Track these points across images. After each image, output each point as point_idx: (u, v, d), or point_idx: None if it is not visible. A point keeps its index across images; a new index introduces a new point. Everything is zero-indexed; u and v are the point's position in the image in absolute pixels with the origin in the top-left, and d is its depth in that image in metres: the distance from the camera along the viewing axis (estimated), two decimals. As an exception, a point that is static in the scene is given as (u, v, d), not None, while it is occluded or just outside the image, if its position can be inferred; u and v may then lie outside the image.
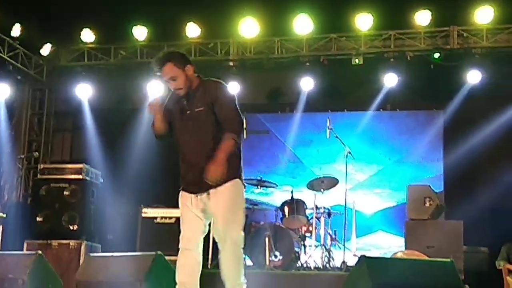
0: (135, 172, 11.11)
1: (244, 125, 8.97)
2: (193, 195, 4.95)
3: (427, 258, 7.02)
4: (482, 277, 9.08)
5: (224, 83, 5.00)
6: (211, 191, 4.84)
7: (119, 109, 11.48)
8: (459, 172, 10.86)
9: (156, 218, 8.42)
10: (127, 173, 11.01)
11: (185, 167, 4.95)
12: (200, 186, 4.84)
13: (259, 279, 7.96)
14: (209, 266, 9.02)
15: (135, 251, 7.89)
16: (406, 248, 8.65)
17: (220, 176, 4.68)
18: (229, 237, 4.84)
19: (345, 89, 11.39)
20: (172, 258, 7.26)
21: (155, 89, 10.95)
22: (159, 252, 6.53)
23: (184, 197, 5.03)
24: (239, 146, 4.94)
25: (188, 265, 5.08)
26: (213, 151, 4.72)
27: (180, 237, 5.09)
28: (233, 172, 4.84)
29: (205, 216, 5.00)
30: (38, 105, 11.88)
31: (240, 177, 4.97)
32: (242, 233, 4.96)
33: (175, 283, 5.16)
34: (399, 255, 7.95)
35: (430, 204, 8.86)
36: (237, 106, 4.91)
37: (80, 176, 9.25)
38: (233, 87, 11.06)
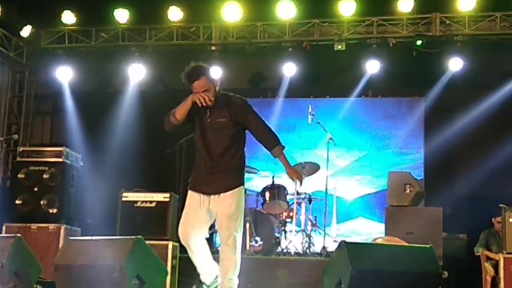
0: (115, 156, 11.08)
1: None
2: (204, 196, 5.35)
3: (406, 244, 7.06)
4: (460, 264, 9.17)
5: (246, 99, 5.40)
6: (222, 194, 5.30)
7: (100, 92, 11.42)
8: (440, 160, 10.93)
9: (136, 202, 8.37)
10: (107, 157, 10.97)
11: (200, 169, 5.40)
12: (212, 188, 5.28)
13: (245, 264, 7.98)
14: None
15: (115, 235, 7.85)
16: (386, 234, 8.70)
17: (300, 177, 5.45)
18: (232, 238, 5.31)
19: (327, 75, 11.41)
20: (153, 242, 7.29)
21: (136, 72, 10.89)
22: (139, 236, 6.50)
23: (193, 197, 5.40)
24: (245, 155, 5.46)
25: (199, 254, 5.48)
26: (230, 159, 5.28)
27: (182, 231, 5.45)
28: (241, 179, 5.37)
29: (210, 215, 5.41)
30: (18, 88, 11.77)
31: (244, 184, 5.46)
32: (241, 236, 5.43)
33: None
34: (379, 241, 7.99)
35: (410, 191, 8.91)
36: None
37: (60, 159, 9.18)
38: (215, 72, 11.03)
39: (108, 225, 8.81)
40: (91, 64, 11.35)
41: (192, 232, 5.43)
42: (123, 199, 8.42)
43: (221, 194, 5.34)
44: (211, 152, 5.31)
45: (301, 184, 5.58)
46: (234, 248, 5.36)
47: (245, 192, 5.53)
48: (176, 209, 8.52)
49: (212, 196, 5.37)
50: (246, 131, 5.49)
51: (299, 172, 5.52)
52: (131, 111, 11.29)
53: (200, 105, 5.19)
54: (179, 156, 9.04)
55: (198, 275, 5.79)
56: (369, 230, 11.02)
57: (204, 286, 5.72)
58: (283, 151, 5.34)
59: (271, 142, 5.35)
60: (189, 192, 5.47)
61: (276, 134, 5.37)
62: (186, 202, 5.50)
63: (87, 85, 11.45)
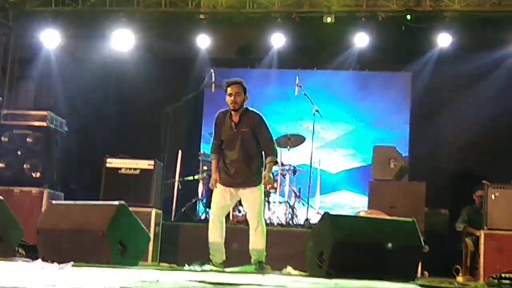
0: (100, 122, 11.03)
1: (213, 79, 8.98)
2: (230, 188, 6.68)
3: (389, 217, 7.11)
4: (442, 238, 9.25)
5: (262, 115, 6.81)
6: (248, 188, 6.65)
7: (86, 57, 11.30)
8: (425, 135, 10.98)
9: (120, 168, 8.36)
10: (92, 123, 10.92)
11: (227, 168, 6.69)
12: (237, 183, 6.66)
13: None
14: (172, 219, 9.08)
15: (98, 200, 7.84)
16: (369, 207, 8.75)
17: (271, 182, 7.35)
18: (261, 223, 6.68)
19: (316, 47, 11.34)
20: (137, 209, 7.30)
21: (120, 38, 10.78)
22: (122, 202, 6.50)
23: (221, 188, 6.70)
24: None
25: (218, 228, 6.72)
26: (252, 159, 6.68)
27: (213, 212, 6.77)
28: (261, 179, 6.72)
29: (231, 203, 6.92)
30: (3, 51, 11.63)
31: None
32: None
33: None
34: (361, 214, 8.04)
35: (394, 165, 8.94)
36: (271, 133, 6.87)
37: (44, 124, 9.12)
38: (203, 41, 10.97)
39: (91, 191, 8.80)
40: (78, 28, 11.21)
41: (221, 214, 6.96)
42: (107, 165, 8.41)
43: (247, 188, 6.72)
44: (239, 155, 6.68)
45: (271, 188, 7.66)
46: (263, 231, 6.78)
47: None
48: (160, 176, 8.52)
49: (240, 189, 6.76)
50: None
51: (273, 180, 7.29)
52: (118, 78, 11.22)
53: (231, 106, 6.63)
54: (165, 124, 9.01)
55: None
56: (352, 203, 11.08)
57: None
58: (273, 164, 6.78)
59: (270, 152, 6.78)
60: (219, 185, 6.79)
61: (276, 151, 6.85)
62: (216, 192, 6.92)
63: (73, 50, 11.33)
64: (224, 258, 6.66)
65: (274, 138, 9.51)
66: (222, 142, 6.78)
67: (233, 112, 6.69)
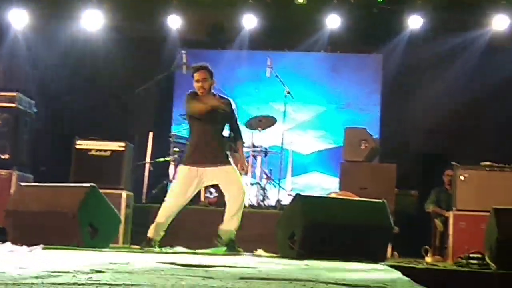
0: (70, 104, 10.93)
1: (184, 61, 8.93)
2: (199, 168, 6.60)
3: (360, 199, 7.16)
4: (412, 219, 9.36)
5: (232, 100, 6.87)
6: (220, 167, 6.63)
7: (55, 37, 11.16)
8: (396, 118, 11.05)
9: (90, 150, 8.30)
10: (62, 104, 10.82)
11: (197, 148, 6.67)
12: (207, 161, 6.61)
13: (194, 215, 8.04)
14: (143, 201, 9.06)
15: (68, 183, 7.79)
16: (340, 189, 8.80)
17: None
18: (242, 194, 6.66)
19: (287, 29, 11.32)
20: (107, 191, 7.27)
21: (90, 18, 10.68)
22: (93, 184, 6.47)
23: (187, 170, 6.62)
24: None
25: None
26: (219, 141, 6.75)
27: (172, 194, 6.72)
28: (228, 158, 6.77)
29: (198, 186, 6.77)
30: (-32, 31, 11.45)
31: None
32: None
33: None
34: (333, 195, 8.09)
35: (365, 147, 8.98)
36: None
37: (13, 105, 8.99)
38: (174, 21, 10.91)
39: (61, 173, 8.72)
40: (47, 8, 11.07)
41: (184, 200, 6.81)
42: (77, 146, 8.35)
43: (219, 167, 6.67)
44: (209, 135, 6.70)
45: (246, 174, 7.37)
46: (243, 199, 6.76)
47: None
48: (131, 158, 8.48)
49: (211, 167, 6.69)
50: None
51: (246, 165, 7.23)
52: (88, 59, 11.11)
53: (199, 92, 6.63)
54: (135, 105, 8.97)
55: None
56: (323, 184, 11.14)
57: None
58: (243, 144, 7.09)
59: (239, 136, 7.04)
60: (183, 166, 6.79)
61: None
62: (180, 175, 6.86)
63: (42, 30, 11.18)
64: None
65: (246, 120, 9.62)
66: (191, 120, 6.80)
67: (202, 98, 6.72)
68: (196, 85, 6.66)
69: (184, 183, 6.60)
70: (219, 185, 6.82)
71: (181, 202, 6.63)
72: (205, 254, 6.20)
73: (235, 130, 6.94)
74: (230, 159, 6.72)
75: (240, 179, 6.67)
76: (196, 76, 6.65)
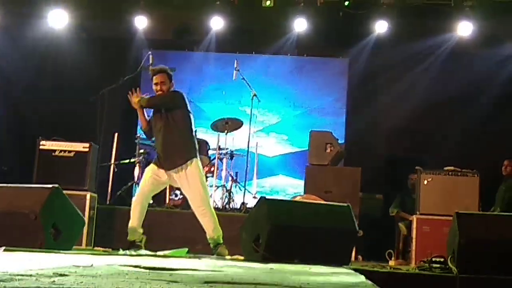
0: (34, 103, 10.81)
1: (150, 62, 8.90)
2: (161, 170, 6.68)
3: (324, 202, 7.19)
4: (376, 223, 9.43)
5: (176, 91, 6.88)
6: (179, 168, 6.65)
7: (19, 36, 11.05)
8: (361, 121, 11.14)
9: (54, 151, 8.21)
10: (26, 104, 10.70)
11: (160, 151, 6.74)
12: (170, 164, 6.66)
13: (158, 217, 8.01)
14: (108, 203, 9.00)
15: (31, 183, 7.70)
16: (305, 192, 8.81)
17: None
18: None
19: (255, 32, 11.36)
20: (71, 192, 7.21)
21: (56, 17, 10.58)
22: (56, 185, 6.41)
23: (155, 169, 6.70)
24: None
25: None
26: (179, 141, 6.71)
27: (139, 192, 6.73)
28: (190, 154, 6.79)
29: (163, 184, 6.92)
30: None
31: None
32: None
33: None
34: (298, 198, 8.11)
35: (331, 150, 9.02)
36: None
37: (-26, 104, 8.90)
38: (140, 22, 10.86)
39: (24, 174, 8.64)
40: (12, 6, 10.92)
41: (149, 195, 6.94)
42: (41, 147, 8.25)
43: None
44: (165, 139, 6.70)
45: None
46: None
47: None
48: (95, 159, 8.42)
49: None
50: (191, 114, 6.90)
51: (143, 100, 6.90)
52: (53, 58, 11.01)
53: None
54: (101, 106, 8.90)
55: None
56: (289, 187, 11.19)
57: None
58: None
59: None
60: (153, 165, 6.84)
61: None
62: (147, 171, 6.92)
63: (6, 28, 11.04)
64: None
65: (212, 122, 9.61)
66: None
67: None
68: (155, 88, 6.78)
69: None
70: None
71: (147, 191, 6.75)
72: (168, 257, 6.18)
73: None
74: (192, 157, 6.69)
75: (198, 180, 6.65)
76: (155, 79, 6.74)
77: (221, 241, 6.71)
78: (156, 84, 6.72)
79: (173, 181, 6.79)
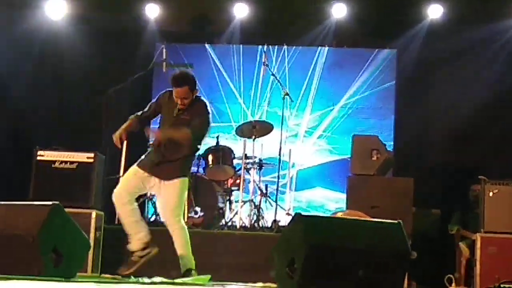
0: (30, 108, 10.89)
1: (164, 57, 8.94)
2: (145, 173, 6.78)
3: (371, 219, 7.15)
4: (432, 243, 9.34)
5: (208, 106, 6.86)
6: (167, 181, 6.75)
7: (14, 31, 11.15)
8: (412, 123, 11.06)
9: (54, 162, 8.27)
10: (20, 108, 10.79)
11: (156, 152, 6.80)
12: (161, 172, 6.75)
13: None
14: (116, 222, 9.03)
15: (27, 200, 7.77)
16: (347, 207, 8.79)
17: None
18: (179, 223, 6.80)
19: (286, 20, 11.36)
20: (73, 210, 7.25)
21: (54, 8, 10.67)
22: (56, 202, 6.44)
23: (136, 169, 6.83)
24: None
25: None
26: (180, 149, 6.73)
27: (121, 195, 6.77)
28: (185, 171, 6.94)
29: (143, 187, 6.89)
30: None
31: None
32: None
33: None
34: (339, 215, 8.08)
35: (377, 158, 8.97)
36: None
37: (-38, 109, 9.01)
38: (152, 11, 10.91)
39: (19, 189, 8.70)
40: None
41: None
42: (38, 158, 8.32)
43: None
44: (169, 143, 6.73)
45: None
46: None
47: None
48: (101, 171, 8.46)
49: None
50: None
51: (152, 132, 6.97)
52: (51, 56, 11.09)
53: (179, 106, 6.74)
54: (106, 109, 8.96)
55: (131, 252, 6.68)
56: (328, 202, 11.14)
57: None
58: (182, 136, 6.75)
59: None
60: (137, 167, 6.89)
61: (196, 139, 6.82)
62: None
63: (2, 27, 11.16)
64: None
65: (237, 126, 9.61)
66: (152, 117, 7.03)
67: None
68: (176, 99, 6.76)
69: None
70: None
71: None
72: (186, 285, 6.18)
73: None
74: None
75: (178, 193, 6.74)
76: (175, 92, 6.74)
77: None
78: (176, 97, 6.72)
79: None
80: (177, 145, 6.69)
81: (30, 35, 10.79)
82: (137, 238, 6.67)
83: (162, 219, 6.82)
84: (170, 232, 6.69)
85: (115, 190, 6.75)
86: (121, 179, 6.99)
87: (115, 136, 6.85)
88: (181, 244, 6.66)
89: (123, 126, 6.91)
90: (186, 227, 6.79)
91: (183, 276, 6.56)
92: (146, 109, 7.04)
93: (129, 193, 6.73)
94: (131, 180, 6.80)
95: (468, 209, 9.42)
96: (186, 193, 6.91)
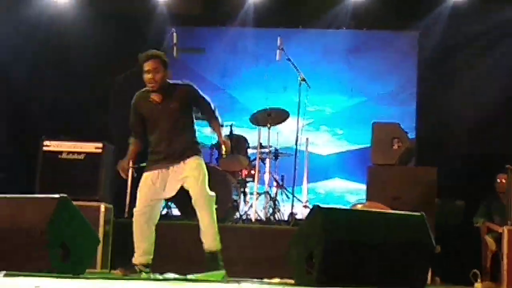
0: (35, 96, 10.94)
1: (174, 41, 8.96)
2: (162, 170, 6.76)
3: (392, 211, 7.17)
4: (457, 236, 9.34)
5: (193, 84, 6.96)
6: (185, 161, 6.76)
7: (15, 16, 11.20)
8: (435, 110, 11.05)
9: (61, 153, 8.32)
10: (24, 97, 10.84)
11: (156, 151, 6.83)
12: (169, 159, 6.77)
13: (188, 232, 8.04)
14: (125, 215, 9.09)
15: (34, 193, 7.82)
16: (367, 198, 8.80)
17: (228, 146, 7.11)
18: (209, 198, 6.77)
19: (301, 1, 11.35)
20: (81, 203, 7.29)
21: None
22: (64, 195, 6.49)
23: (148, 176, 6.80)
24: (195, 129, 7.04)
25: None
26: (183, 133, 6.83)
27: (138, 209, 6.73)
28: (197, 150, 6.96)
29: (162, 193, 6.81)
30: None
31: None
32: None
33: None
34: (359, 206, 8.10)
35: (398, 146, 8.97)
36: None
37: (-35, 99, 9.07)
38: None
39: (24, 181, 8.76)
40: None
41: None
42: (44, 148, 8.36)
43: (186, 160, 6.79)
44: (170, 131, 6.80)
45: (226, 155, 7.32)
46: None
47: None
48: (110, 162, 8.49)
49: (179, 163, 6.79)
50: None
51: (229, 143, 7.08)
52: (55, 41, 11.12)
53: (149, 86, 6.78)
54: (115, 97, 8.99)
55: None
56: (347, 194, 11.16)
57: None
58: (220, 125, 7.06)
59: (217, 119, 7.04)
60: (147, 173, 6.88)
61: (216, 110, 7.01)
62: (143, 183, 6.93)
63: (4, 12, 11.19)
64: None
65: (251, 114, 9.65)
66: (144, 127, 6.95)
67: (153, 93, 6.82)
68: (146, 77, 6.76)
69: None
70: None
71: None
72: (199, 281, 6.22)
73: (209, 115, 7.05)
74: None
75: (202, 171, 6.76)
76: (146, 65, 6.74)
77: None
78: (147, 72, 6.70)
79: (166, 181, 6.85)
80: (178, 130, 6.79)
81: (32, 19, 10.83)
82: (143, 257, 6.67)
83: (192, 197, 6.66)
84: (198, 209, 6.68)
85: (135, 210, 6.77)
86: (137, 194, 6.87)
87: (122, 168, 6.93)
88: (209, 219, 6.69)
89: (130, 157, 7.00)
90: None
91: (207, 260, 6.59)
92: (132, 124, 7.00)
93: (147, 205, 6.71)
94: (144, 190, 6.78)
95: (494, 200, 9.42)
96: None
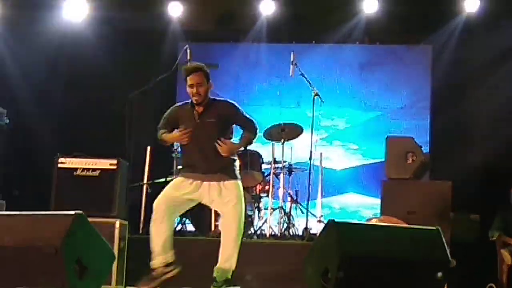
0: (50, 113, 10.98)
1: (188, 57, 9.00)
2: (197, 180, 6.81)
3: (407, 225, 7.15)
4: (472, 249, 9.31)
5: (234, 102, 7.01)
6: (219, 182, 6.81)
7: (31, 33, 11.25)
8: (449, 124, 11.02)
9: (76, 169, 8.32)
10: (39, 114, 10.87)
11: (192, 161, 6.89)
12: (210, 174, 6.80)
13: (203, 247, 8.05)
14: (140, 231, 9.10)
15: (48, 210, 7.83)
16: (382, 213, 8.79)
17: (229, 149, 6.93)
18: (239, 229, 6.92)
19: (314, 16, 11.37)
20: (96, 219, 7.30)
21: (73, 8, 10.75)
22: (79, 212, 6.50)
23: (181, 179, 6.88)
24: None
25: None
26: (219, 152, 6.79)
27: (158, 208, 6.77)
28: (235, 173, 7.02)
29: (188, 198, 6.86)
30: None
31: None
32: None
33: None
34: (374, 221, 8.07)
35: (413, 160, 8.95)
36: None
37: (-21, 115, 9.09)
38: (175, 9, 10.97)
39: (40, 198, 8.77)
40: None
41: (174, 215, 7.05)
42: (59, 165, 8.37)
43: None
44: (203, 150, 6.82)
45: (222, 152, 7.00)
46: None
47: None
48: (125, 179, 8.51)
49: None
50: None
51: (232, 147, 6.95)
52: (70, 58, 11.18)
53: (194, 99, 6.80)
54: (130, 113, 9.00)
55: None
56: (362, 208, 11.13)
57: None
58: (248, 140, 7.08)
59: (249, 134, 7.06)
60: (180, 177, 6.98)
61: (256, 126, 7.06)
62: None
63: (15, 23, 11.25)
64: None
65: (265, 129, 9.64)
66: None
67: (196, 106, 6.84)
68: (189, 90, 6.78)
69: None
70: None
71: None
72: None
73: (246, 128, 7.06)
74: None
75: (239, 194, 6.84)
76: (189, 80, 6.77)
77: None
78: (191, 86, 6.73)
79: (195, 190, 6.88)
80: (214, 145, 6.75)
81: (46, 36, 10.87)
82: (162, 257, 6.74)
83: (223, 220, 6.84)
84: (222, 230, 6.82)
85: (155, 202, 6.79)
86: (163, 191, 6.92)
87: (180, 133, 6.86)
88: (233, 244, 6.82)
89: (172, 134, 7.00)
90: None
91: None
92: (162, 125, 7.12)
93: (168, 206, 6.75)
94: (170, 189, 6.85)
95: (509, 213, 9.38)
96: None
